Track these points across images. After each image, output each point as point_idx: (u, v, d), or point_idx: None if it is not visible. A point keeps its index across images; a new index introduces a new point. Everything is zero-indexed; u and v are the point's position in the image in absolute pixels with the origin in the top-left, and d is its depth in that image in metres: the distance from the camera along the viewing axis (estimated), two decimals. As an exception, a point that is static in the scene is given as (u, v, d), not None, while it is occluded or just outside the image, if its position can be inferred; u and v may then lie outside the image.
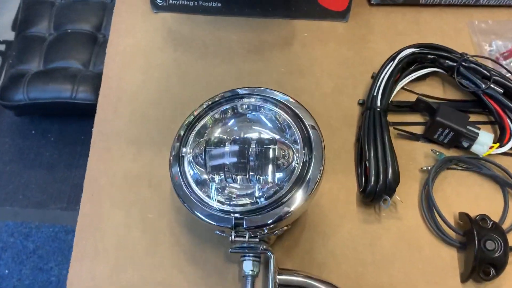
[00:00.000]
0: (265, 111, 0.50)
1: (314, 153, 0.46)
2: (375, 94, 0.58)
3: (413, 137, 0.59)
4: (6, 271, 1.19)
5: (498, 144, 0.56)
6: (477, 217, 0.52)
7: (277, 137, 0.48)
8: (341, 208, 0.55)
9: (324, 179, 0.56)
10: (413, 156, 0.58)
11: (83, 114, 1.20)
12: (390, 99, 0.59)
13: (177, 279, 0.51)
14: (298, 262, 0.52)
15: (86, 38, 1.24)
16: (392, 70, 0.58)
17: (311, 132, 0.48)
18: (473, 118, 0.60)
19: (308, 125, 0.48)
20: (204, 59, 0.65)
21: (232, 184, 0.48)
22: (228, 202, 0.46)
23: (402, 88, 0.61)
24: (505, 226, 0.53)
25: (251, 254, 0.48)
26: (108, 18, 1.29)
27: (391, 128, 0.58)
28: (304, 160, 0.46)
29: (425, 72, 0.61)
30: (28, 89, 1.13)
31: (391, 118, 0.60)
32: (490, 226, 0.51)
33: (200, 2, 0.66)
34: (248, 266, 0.47)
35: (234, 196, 0.48)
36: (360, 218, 0.54)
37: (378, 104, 0.57)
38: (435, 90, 0.62)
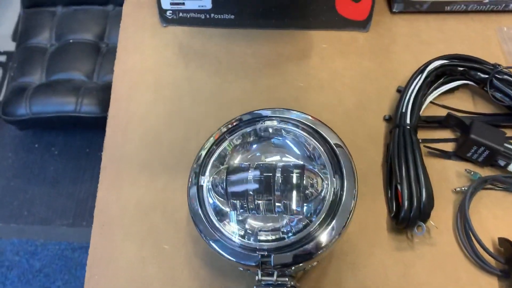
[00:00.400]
0: (290, 135, 0.46)
1: (345, 179, 0.43)
2: (403, 110, 0.54)
3: (445, 155, 0.55)
4: (13, 291, 1.16)
5: (538, 163, 0.52)
6: (520, 244, 0.48)
7: (304, 163, 0.44)
8: (371, 235, 0.51)
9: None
10: (445, 176, 0.54)
11: (87, 126, 1.17)
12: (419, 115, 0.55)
13: (198, 317, 0.48)
14: (326, 295, 0.49)
15: (89, 48, 1.20)
16: (421, 84, 0.55)
17: (340, 156, 0.44)
18: (508, 133, 0.56)
19: (336, 147, 0.44)
20: (217, 75, 0.61)
21: (255, 217, 0.44)
22: (252, 237, 0.42)
23: (431, 102, 0.58)
24: (548, 251, 0.50)
25: (278, 291, 0.44)
26: (110, 26, 1.26)
27: (420, 146, 0.54)
28: (335, 188, 0.42)
29: (455, 85, 0.57)
30: (30, 103, 1.09)
31: (420, 134, 0.56)
32: (534, 254, 0.47)
33: (212, 14, 0.62)
34: (274, 304, 0.44)
35: (258, 230, 0.44)
36: (391, 245, 0.51)
37: (408, 121, 0.53)
38: (465, 103, 0.59)
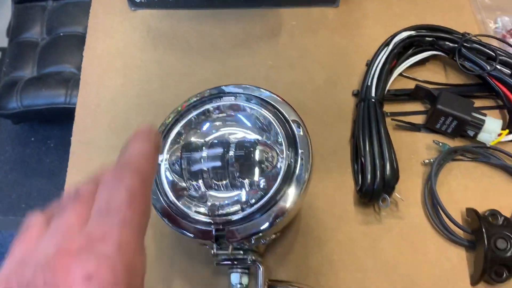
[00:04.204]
0: (246, 111, 0.46)
1: (300, 152, 0.42)
2: (369, 83, 0.53)
3: (414, 127, 0.54)
4: (13, 282, 1.17)
5: (507, 131, 0.51)
6: (486, 213, 0.47)
7: (259, 138, 0.44)
8: (337, 209, 0.51)
9: (318, 179, 0.52)
10: (415, 149, 0.53)
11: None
12: (387, 88, 0.54)
13: (164, 295, 0.48)
14: (292, 270, 0.48)
15: (79, 40, 1.21)
16: (387, 57, 0.54)
17: (296, 130, 0.44)
18: (479, 103, 0.55)
19: (293, 122, 0.44)
20: (186, 57, 0.61)
21: (213, 193, 0.44)
22: (209, 213, 0.42)
23: (400, 75, 0.57)
24: (518, 220, 0.49)
25: (238, 266, 0.44)
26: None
27: (389, 119, 0.54)
28: (290, 161, 0.42)
29: (424, 56, 0.56)
30: (21, 97, 1.11)
31: (389, 108, 0.55)
32: (501, 223, 0.46)
33: (180, -4, 0.62)
34: (235, 279, 0.44)
35: (218, 205, 0.44)
36: (358, 219, 0.50)
37: (373, 94, 0.52)
38: (436, 75, 0.58)
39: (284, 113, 0.45)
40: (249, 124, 0.46)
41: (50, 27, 1.24)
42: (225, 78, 0.60)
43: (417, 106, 0.56)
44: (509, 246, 0.44)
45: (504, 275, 0.44)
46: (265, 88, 0.48)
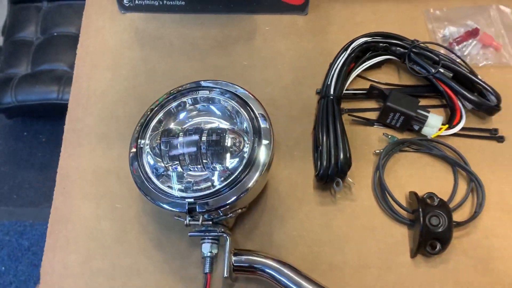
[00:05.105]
0: (219, 103, 0.53)
1: (263, 139, 0.49)
2: (328, 83, 0.60)
3: (368, 122, 0.61)
4: (3, 268, 1.24)
5: (446, 126, 0.58)
6: (425, 195, 0.54)
7: (228, 126, 0.51)
8: (299, 192, 0.58)
9: (283, 166, 0.59)
10: (368, 141, 0.61)
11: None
12: (345, 87, 0.61)
13: (144, 264, 0.55)
14: (258, 244, 0.55)
15: (72, 40, 1.27)
16: (345, 60, 0.61)
17: (261, 122, 0.51)
18: (426, 102, 0.62)
19: (258, 114, 0.51)
20: (170, 56, 0.68)
21: (189, 172, 0.51)
22: (185, 189, 0.49)
23: (359, 76, 0.64)
24: (454, 203, 0.56)
25: (209, 237, 0.51)
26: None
27: (346, 115, 0.61)
28: (254, 146, 0.49)
29: (379, 60, 0.63)
30: (16, 92, 1.17)
31: (347, 105, 0.62)
32: (436, 203, 0.53)
33: (165, 1, 0.69)
34: (206, 248, 0.51)
35: (193, 182, 0.51)
36: (316, 200, 0.57)
37: (332, 92, 0.59)
38: (390, 77, 0.65)
39: (253, 107, 0.52)
40: (221, 114, 0.53)
41: (45, 27, 1.31)
42: (204, 75, 0.66)
43: (372, 104, 0.63)
44: (441, 223, 0.51)
45: (437, 248, 0.52)
46: (238, 85, 0.55)
